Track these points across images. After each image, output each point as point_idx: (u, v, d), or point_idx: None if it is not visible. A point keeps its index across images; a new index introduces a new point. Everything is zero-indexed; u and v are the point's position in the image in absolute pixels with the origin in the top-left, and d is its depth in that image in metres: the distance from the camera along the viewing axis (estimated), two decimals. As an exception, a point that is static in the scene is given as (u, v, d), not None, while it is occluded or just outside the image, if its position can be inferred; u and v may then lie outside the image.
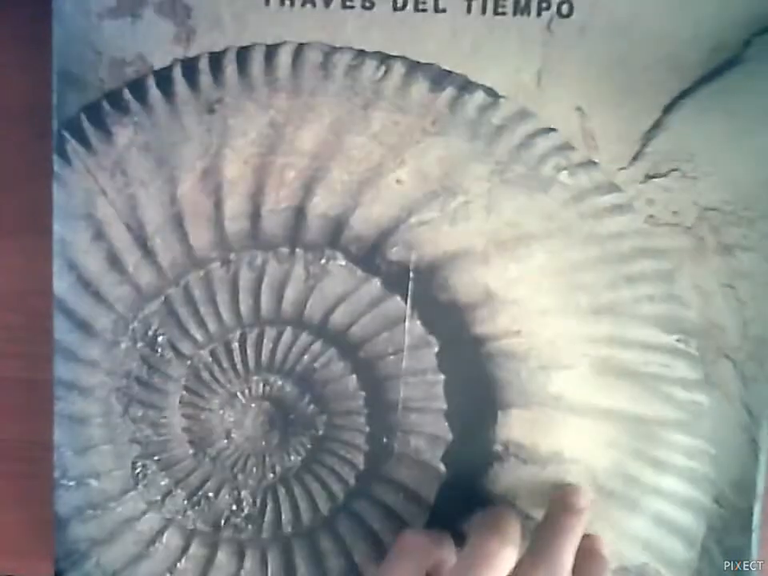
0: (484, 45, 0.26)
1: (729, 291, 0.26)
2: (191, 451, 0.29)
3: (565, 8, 0.26)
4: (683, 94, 0.26)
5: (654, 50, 0.26)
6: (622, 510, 0.27)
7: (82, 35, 0.27)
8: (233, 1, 0.26)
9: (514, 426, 0.27)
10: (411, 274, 0.27)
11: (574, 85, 0.26)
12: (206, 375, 0.28)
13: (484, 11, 0.26)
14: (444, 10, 0.26)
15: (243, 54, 0.27)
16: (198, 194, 0.27)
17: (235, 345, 0.28)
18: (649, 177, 0.26)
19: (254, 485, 0.29)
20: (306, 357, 0.28)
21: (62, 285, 0.28)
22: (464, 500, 0.27)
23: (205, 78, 0.27)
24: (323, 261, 0.27)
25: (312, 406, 0.28)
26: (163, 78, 0.27)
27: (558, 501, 0.26)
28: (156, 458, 0.29)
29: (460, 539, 0.27)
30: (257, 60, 0.27)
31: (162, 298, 0.28)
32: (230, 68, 0.27)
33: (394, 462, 0.28)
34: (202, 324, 0.28)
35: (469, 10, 0.26)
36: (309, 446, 0.28)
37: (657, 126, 0.26)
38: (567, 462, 0.27)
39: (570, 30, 0.26)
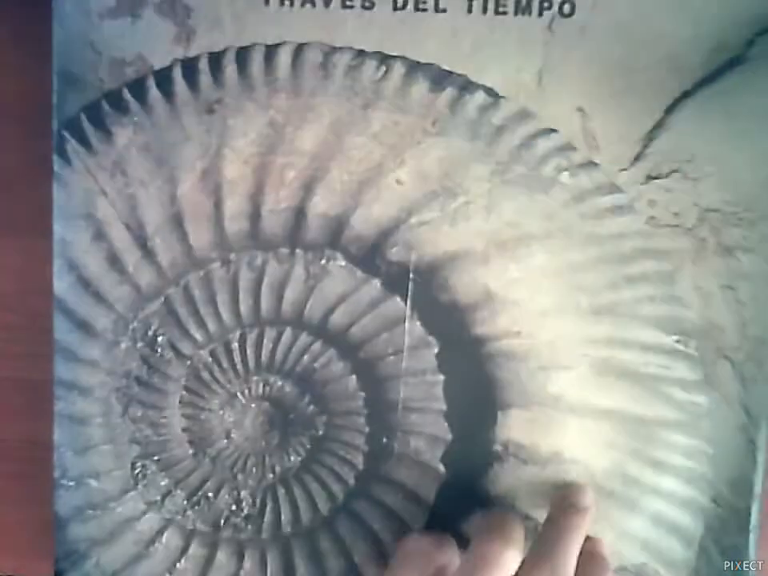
0: (485, 45, 0.26)
1: (729, 292, 0.26)
2: (191, 451, 0.29)
3: (566, 8, 0.26)
4: (684, 95, 0.26)
5: (656, 51, 0.26)
6: (621, 509, 0.27)
7: (82, 35, 0.27)
8: (233, 1, 0.26)
9: (513, 427, 0.27)
10: (411, 275, 0.27)
11: (575, 85, 0.26)
12: (205, 375, 0.28)
13: (485, 11, 0.26)
14: (444, 10, 0.26)
15: (243, 54, 0.27)
16: (198, 194, 0.27)
17: (235, 345, 0.28)
18: (650, 178, 0.26)
19: (254, 485, 0.29)
20: (305, 357, 0.28)
21: (61, 285, 0.28)
22: (464, 500, 0.27)
23: (204, 78, 0.27)
24: (323, 261, 0.27)
25: (312, 407, 0.28)
26: (163, 78, 0.27)
27: (562, 500, 0.26)
28: (156, 458, 0.29)
29: (460, 540, 0.27)
30: (257, 60, 0.27)
31: (162, 298, 0.28)
32: (230, 68, 0.27)
33: (393, 462, 0.28)
34: (201, 324, 0.28)
35: (469, 10, 0.26)
36: (308, 447, 0.28)
37: (658, 126, 0.26)
38: (567, 462, 0.27)
39: (571, 30, 0.26)
